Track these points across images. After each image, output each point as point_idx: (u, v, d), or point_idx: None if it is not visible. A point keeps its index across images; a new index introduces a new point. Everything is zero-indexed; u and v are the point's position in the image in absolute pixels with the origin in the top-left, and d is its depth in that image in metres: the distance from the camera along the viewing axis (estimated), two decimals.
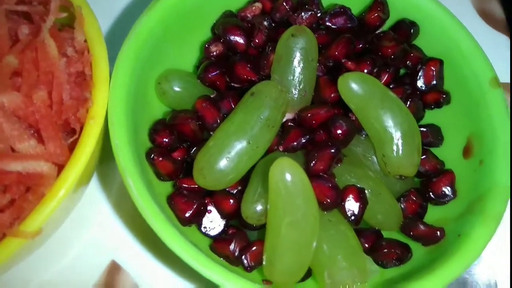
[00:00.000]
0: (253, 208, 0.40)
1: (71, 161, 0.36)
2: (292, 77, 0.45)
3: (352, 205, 0.42)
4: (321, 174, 0.42)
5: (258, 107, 0.43)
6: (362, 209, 0.42)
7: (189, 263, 0.37)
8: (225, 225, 0.44)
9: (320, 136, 0.44)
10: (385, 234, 0.45)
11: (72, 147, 0.37)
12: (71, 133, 0.38)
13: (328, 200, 0.41)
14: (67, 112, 0.36)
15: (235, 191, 0.44)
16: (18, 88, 0.36)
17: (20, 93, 0.35)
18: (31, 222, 0.34)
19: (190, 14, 0.47)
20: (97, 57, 0.40)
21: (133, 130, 0.40)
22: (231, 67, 0.46)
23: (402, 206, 0.45)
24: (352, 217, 0.42)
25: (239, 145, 0.42)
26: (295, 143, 0.43)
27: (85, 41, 0.40)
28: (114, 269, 0.47)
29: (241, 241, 0.42)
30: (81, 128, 0.38)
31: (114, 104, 0.39)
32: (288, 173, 0.37)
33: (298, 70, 0.45)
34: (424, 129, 0.48)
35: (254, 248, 0.41)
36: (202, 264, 0.37)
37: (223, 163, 0.41)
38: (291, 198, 0.37)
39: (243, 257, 0.41)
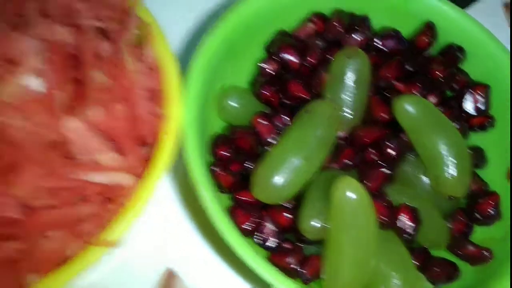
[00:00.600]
0: (311, 223, 0.41)
1: (150, 173, 0.37)
2: (345, 97, 0.47)
3: (406, 224, 0.43)
4: (375, 192, 0.43)
5: (313, 125, 0.44)
6: (416, 228, 0.43)
7: (263, 275, 0.38)
8: (281, 238, 0.45)
9: (372, 155, 0.45)
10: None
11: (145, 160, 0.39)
12: (145, 146, 0.39)
13: (384, 218, 0.42)
14: (143, 127, 0.38)
15: (290, 206, 0.45)
16: (99, 102, 0.37)
17: (102, 107, 0.37)
18: (112, 231, 0.36)
19: (249, 33, 0.49)
20: (169, 74, 0.41)
21: (201, 144, 0.42)
22: (285, 85, 0.48)
23: (450, 226, 0.46)
24: (406, 235, 0.43)
25: (296, 161, 0.43)
26: (349, 161, 0.45)
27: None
28: (169, 278, 0.47)
29: (298, 255, 0.43)
30: (154, 142, 0.39)
31: (188, 120, 0.41)
32: (351, 192, 0.39)
33: (351, 90, 0.47)
34: (469, 151, 0.49)
35: (312, 261, 0.42)
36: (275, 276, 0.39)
37: (280, 178, 0.43)
38: (354, 216, 0.39)
39: (302, 270, 0.42)
